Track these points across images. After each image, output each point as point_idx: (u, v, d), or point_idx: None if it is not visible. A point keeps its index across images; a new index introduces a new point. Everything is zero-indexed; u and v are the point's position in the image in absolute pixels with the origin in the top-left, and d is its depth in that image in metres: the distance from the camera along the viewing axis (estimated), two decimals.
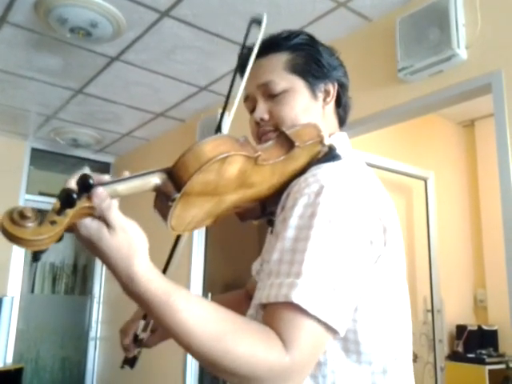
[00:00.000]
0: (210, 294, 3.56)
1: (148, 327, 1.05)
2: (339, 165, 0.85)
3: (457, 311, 3.74)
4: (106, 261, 0.65)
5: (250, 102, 1.01)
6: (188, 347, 0.66)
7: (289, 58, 0.96)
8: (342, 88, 1.01)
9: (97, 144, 4.56)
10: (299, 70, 0.96)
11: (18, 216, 0.56)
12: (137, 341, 1.05)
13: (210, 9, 2.49)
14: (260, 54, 0.97)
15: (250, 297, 1.24)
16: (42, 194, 4.79)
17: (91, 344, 4.81)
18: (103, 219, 0.63)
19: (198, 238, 3.69)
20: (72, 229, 0.62)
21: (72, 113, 3.91)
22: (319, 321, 0.68)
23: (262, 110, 0.96)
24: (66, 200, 0.58)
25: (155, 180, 0.71)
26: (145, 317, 1.04)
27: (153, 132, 4.30)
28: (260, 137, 0.98)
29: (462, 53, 2.09)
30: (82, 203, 0.60)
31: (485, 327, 3.70)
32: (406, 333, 0.86)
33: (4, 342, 4.17)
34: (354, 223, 0.76)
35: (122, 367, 1.07)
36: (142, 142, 4.58)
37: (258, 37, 0.95)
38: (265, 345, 0.66)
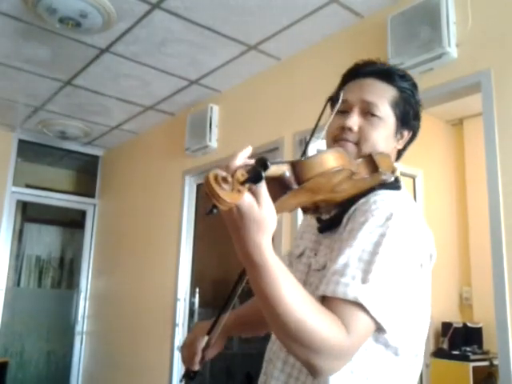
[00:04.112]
0: (197, 289, 3.56)
1: (212, 342, 1.15)
2: (401, 195, 1.02)
3: (442, 309, 3.77)
4: (245, 229, 0.76)
5: (344, 105, 1.09)
6: (277, 316, 0.79)
7: (395, 96, 1.09)
8: (413, 137, 1.17)
9: (85, 136, 4.52)
10: (398, 109, 1.09)
11: (221, 179, 0.69)
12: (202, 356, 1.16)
13: (201, 2, 2.47)
14: (376, 76, 1.10)
15: None
16: (28, 186, 4.74)
17: (77, 338, 4.78)
18: (255, 195, 0.75)
19: (187, 234, 3.68)
20: None
21: (60, 104, 3.87)
22: (375, 320, 0.85)
23: (355, 122, 1.06)
24: (256, 177, 0.71)
25: (285, 169, 0.82)
26: (209, 332, 1.15)
27: (142, 125, 4.27)
28: (336, 140, 1.08)
29: (453, 51, 2.10)
30: None
31: (470, 325, 3.73)
32: (424, 334, 1.01)
33: None
34: (412, 249, 0.93)
35: (181, 381, 1.16)
36: (131, 135, 4.55)
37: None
38: (336, 327, 0.82)
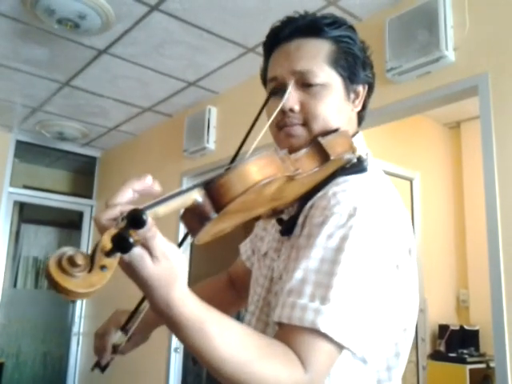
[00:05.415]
0: None
1: (127, 336, 1.02)
2: (367, 180, 0.83)
3: (439, 311, 3.78)
4: (145, 288, 0.62)
5: (276, 84, 0.90)
6: (216, 371, 0.66)
7: (331, 50, 0.89)
8: (370, 90, 0.96)
9: (83, 138, 4.51)
10: (340, 66, 0.89)
11: (67, 263, 0.50)
12: (114, 350, 1.03)
13: (199, 4, 2.47)
14: (300, 34, 0.89)
15: (232, 281, 1.21)
16: (26, 187, 4.73)
17: (74, 339, 4.77)
18: (146, 247, 0.59)
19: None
20: None
21: (58, 105, 3.86)
22: (341, 346, 0.70)
23: (294, 100, 0.87)
24: (121, 245, 0.52)
25: (195, 197, 0.65)
26: (123, 328, 1.00)
27: (140, 126, 4.26)
28: (282, 127, 0.90)
29: (450, 54, 2.10)
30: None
31: (467, 327, 3.74)
32: (410, 335, 0.87)
33: None
34: (384, 250, 0.76)
35: (93, 370, 1.03)
36: (129, 137, 4.54)
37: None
38: (288, 369, 0.68)
